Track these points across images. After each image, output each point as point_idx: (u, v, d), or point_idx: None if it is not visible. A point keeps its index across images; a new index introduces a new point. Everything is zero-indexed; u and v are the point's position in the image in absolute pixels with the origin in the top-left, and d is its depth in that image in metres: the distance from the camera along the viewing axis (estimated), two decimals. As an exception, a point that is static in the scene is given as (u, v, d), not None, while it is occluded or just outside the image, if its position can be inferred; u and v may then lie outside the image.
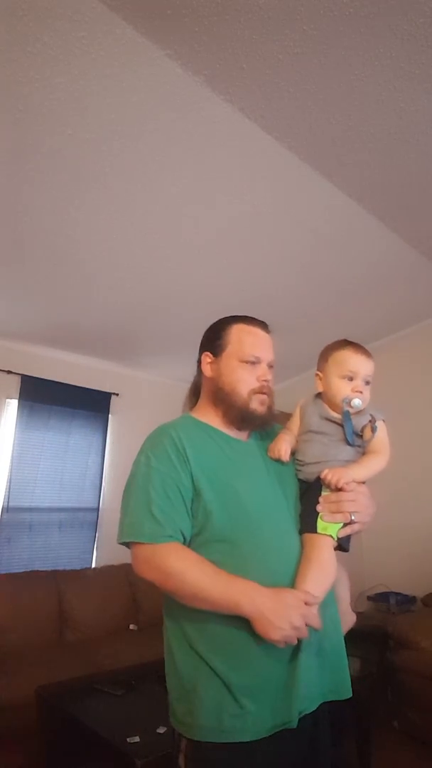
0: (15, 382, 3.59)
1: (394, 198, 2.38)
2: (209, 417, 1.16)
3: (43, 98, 1.73)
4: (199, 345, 1.24)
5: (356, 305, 3.37)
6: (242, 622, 0.93)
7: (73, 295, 3.00)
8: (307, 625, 0.92)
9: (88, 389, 3.91)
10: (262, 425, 1.16)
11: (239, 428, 1.15)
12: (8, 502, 3.39)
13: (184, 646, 1.00)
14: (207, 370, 1.18)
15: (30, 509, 3.51)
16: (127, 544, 1.04)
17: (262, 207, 2.39)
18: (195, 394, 1.25)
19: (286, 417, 1.21)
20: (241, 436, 1.17)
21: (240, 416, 1.13)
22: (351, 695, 1.03)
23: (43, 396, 3.67)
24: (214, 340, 1.19)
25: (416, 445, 3.54)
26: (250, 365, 1.14)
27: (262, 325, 1.21)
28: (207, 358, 1.18)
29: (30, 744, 2.07)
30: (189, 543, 1.04)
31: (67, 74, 1.65)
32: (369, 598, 3.38)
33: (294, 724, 0.92)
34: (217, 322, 1.23)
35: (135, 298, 3.08)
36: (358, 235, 2.67)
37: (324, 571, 1.00)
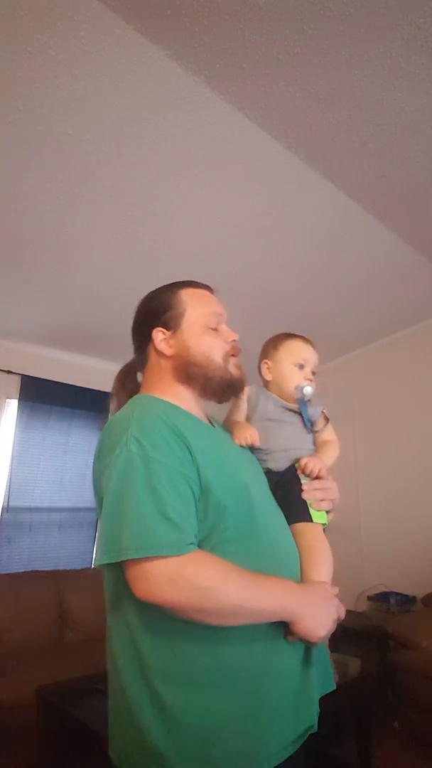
0: (15, 382, 3.59)
1: (394, 198, 2.38)
2: (179, 400, 0.98)
3: (43, 98, 1.73)
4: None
5: (356, 305, 3.37)
6: (254, 633, 0.83)
7: (73, 295, 3.00)
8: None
9: (88, 389, 3.91)
10: (241, 390, 1.08)
11: (221, 400, 1.05)
12: (8, 502, 3.40)
13: (184, 688, 0.81)
14: (164, 347, 1.02)
15: (30, 509, 3.51)
16: (119, 563, 0.80)
17: (261, 207, 2.39)
18: (131, 381, 1.10)
19: None
20: (207, 422, 1.06)
21: (222, 386, 1.01)
22: (335, 687, 0.98)
23: (43, 396, 3.67)
24: (162, 313, 1.04)
25: (416, 445, 3.54)
26: (214, 331, 1.04)
27: (207, 287, 1.12)
28: (160, 334, 1.03)
29: (30, 744, 2.07)
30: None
31: (67, 74, 1.65)
32: (369, 598, 3.38)
33: (316, 728, 0.84)
34: (155, 294, 1.10)
35: (135, 298, 3.07)
36: (358, 236, 2.67)
37: (329, 560, 0.98)
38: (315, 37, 1.57)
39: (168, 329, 1.03)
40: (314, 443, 1.12)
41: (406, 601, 3.21)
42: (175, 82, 1.72)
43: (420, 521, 3.39)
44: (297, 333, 1.20)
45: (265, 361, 1.18)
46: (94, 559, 0.83)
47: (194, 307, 1.04)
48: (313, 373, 1.15)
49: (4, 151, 1.94)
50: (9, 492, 3.41)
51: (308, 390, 1.10)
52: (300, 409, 1.09)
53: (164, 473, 0.82)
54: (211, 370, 1.00)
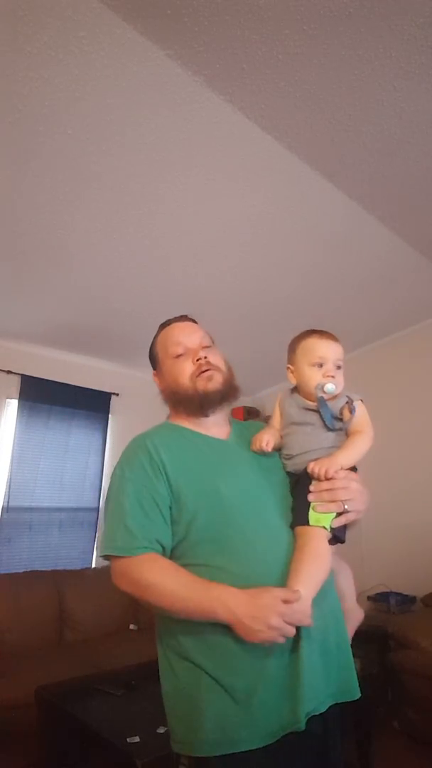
0: (15, 382, 3.59)
1: (394, 198, 2.38)
2: (181, 421, 1.17)
3: (43, 98, 1.73)
4: None
5: (356, 305, 3.37)
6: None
7: (73, 295, 3.00)
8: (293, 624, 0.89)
9: (88, 389, 3.91)
10: (223, 399, 1.15)
11: (205, 414, 1.14)
12: (8, 502, 3.39)
13: (183, 660, 0.97)
14: (158, 384, 1.23)
15: (30, 509, 3.51)
16: (107, 558, 1.03)
17: (262, 207, 2.39)
18: None
19: None
20: (221, 434, 1.17)
21: (197, 403, 1.13)
22: (359, 696, 1.00)
23: (43, 396, 3.67)
24: (151, 359, 1.26)
25: (416, 444, 3.54)
26: (181, 357, 1.16)
27: (180, 318, 1.25)
28: (155, 376, 1.25)
29: (30, 744, 2.07)
30: (175, 549, 1.02)
31: (67, 74, 1.65)
32: (369, 598, 3.38)
33: (301, 726, 0.89)
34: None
35: (135, 298, 3.08)
36: (358, 235, 2.67)
37: (317, 564, 0.96)
38: (315, 37, 1.57)
39: (156, 369, 1.25)
40: (346, 436, 1.08)
41: (406, 601, 3.21)
42: (175, 82, 1.72)
43: (420, 521, 3.39)
44: (315, 329, 1.16)
45: (288, 366, 1.17)
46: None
47: (162, 345, 1.22)
48: (339, 367, 1.11)
49: (4, 151, 1.94)
50: (9, 492, 3.41)
51: (329, 387, 1.06)
52: (319, 408, 1.07)
53: (132, 490, 1.03)
54: (182, 392, 1.15)
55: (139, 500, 1.02)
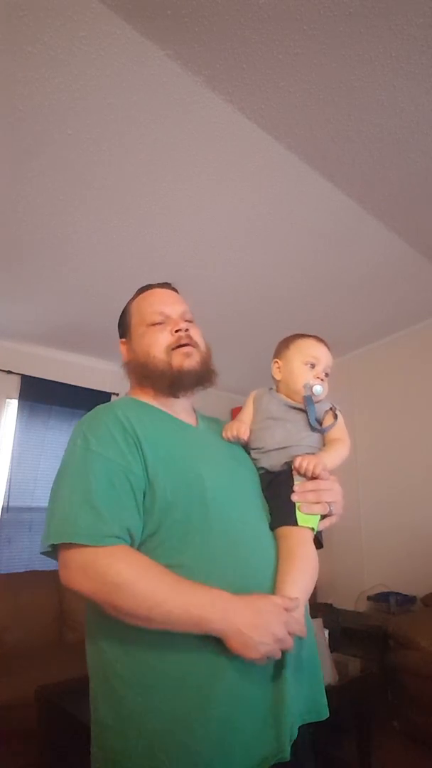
0: (15, 382, 3.59)
1: (394, 198, 2.38)
2: (147, 399, 1.02)
3: (43, 98, 1.73)
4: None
5: (356, 305, 3.37)
6: (202, 640, 0.77)
7: (73, 295, 3.01)
8: (290, 634, 0.77)
9: (88, 389, 3.91)
10: (199, 382, 1.02)
11: (175, 395, 1.01)
12: (8, 502, 3.39)
13: (134, 682, 0.78)
14: (124, 354, 1.08)
15: (30, 509, 3.51)
16: (54, 551, 0.81)
17: (261, 207, 2.39)
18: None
19: None
20: (190, 420, 1.05)
21: (169, 381, 0.98)
22: (328, 715, 0.87)
23: (43, 396, 3.67)
24: (121, 325, 1.11)
25: (416, 445, 3.54)
26: (158, 326, 1.02)
27: (161, 285, 1.13)
28: (122, 345, 1.09)
29: (30, 744, 2.07)
30: (142, 545, 0.84)
31: (67, 74, 1.65)
32: (369, 598, 3.38)
33: (287, 756, 0.76)
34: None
35: (135, 298, 3.08)
36: (357, 235, 2.66)
37: (309, 568, 0.88)
38: (315, 37, 1.57)
39: (125, 337, 1.10)
40: (324, 443, 1.04)
41: (406, 601, 3.21)
42: (175, 82, 1.72)
43: (420, 521, 3.39)
44: (311, 333, 1.16)
45: (276, 360, 1.13)
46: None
47: (137, 311, 1.08)
48: (327, 374, 1.09)
49: (4, 152, 1.94)
50: (9, 492, 3.41)
51: (318, 389, 1.04)
52: (306, 406, 1.03)
53: (101, 465, 0.83)
54: (154, 366, 0.99)
55: (110, 477, 0.82)
